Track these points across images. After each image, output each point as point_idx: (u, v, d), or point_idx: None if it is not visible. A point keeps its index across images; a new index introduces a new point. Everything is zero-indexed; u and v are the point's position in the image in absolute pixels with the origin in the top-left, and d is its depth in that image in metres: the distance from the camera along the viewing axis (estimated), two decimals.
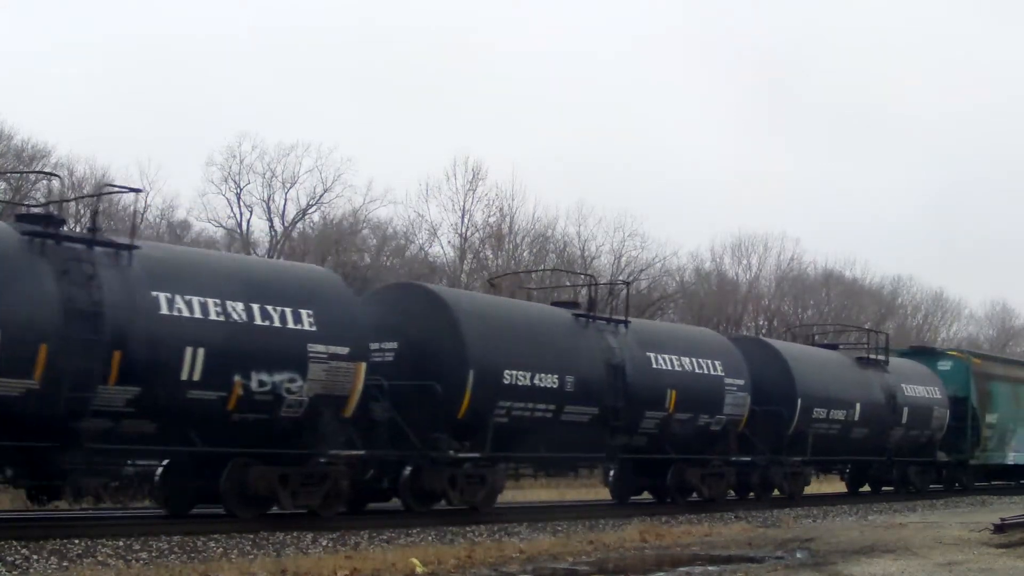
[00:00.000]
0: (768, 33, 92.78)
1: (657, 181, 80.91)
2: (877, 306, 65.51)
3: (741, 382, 22.21)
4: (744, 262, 62.05)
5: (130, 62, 69.20)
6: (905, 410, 27.58)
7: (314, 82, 73.81)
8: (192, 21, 73.32)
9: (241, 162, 45.98)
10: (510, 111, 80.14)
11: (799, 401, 23.81)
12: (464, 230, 47.20)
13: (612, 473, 22.77)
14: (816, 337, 32.61)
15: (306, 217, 46.58)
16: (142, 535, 13.18)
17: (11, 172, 37.15)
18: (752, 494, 23.93)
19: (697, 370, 21.34)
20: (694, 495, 21.95)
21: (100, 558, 11.87)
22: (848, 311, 60.28)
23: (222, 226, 46.32)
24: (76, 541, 12.49)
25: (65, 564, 11.42)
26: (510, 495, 21.77)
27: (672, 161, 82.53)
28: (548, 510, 20.12)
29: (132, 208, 26.74)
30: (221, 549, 13.02)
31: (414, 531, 15.62)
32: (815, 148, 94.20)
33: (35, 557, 11.55)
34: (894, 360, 29.20)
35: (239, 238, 45.19)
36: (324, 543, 14.11)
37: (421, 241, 48.76)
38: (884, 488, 29.00)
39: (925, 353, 32.65)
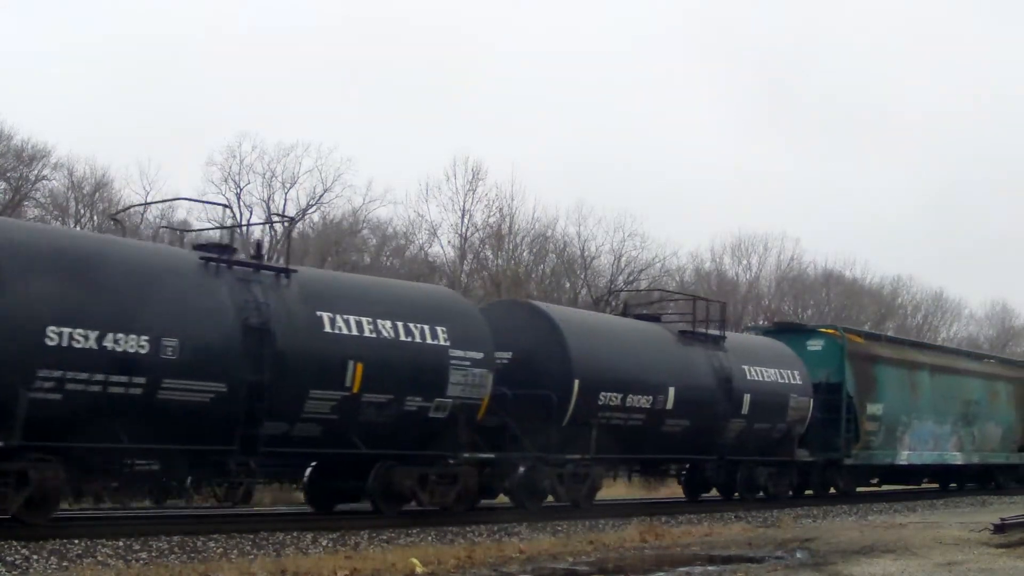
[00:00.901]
0: (768, 33, 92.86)
1: (657, 181, 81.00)
2: (877, 306, 65.51)
3: (478, 356, 17.48)
4: (744, 262, 62.13)
5: (130, 62, 69.26)
6: (746, 398, 22.42)
7: (314, 82, 73.90)
8: (192, 21, 73.41)
9: (241, 162, 46.04)
10: (510, 111, 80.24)
11: (576, 383, 18.81)
12: (464, 230, 47.20)
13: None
14: (650, 309, 26.77)
15: (306, 217, 46.61)
16: (142, 535, 13.18)
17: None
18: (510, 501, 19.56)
19: (404, 337, 16.54)
20: (413, 503, 17.52)
21: (100, 558, 11.87)
22: (848, 311, 60.31)
23: (222, 226, 46.30)
24: (76, 541, 12.49)
25: (65, 564, 11.42)
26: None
27: (672, 161, 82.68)
28: (548, 510, 20.11)
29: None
30: (221, 549, 13.02)
31: (414, 531, 15.63)
32: (815, 148, 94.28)
33: (35, 557, 11.55)
34: (736, 337, 24.82)
35: (239, 238, 45.15)
36: (324, 543, 14.11)
37: (421, 241, 48.80)
38: (733, 495, 24.13)
39: (791, 330, 27.58)
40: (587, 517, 18.72)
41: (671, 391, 20.69)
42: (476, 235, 47.34)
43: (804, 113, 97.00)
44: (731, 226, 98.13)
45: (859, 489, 27.95)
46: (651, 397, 20.33)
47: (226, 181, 45.91)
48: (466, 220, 47.16)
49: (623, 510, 20.58)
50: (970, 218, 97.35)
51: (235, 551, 12.99)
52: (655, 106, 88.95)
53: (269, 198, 46.50)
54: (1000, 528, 16.09)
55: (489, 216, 47.48)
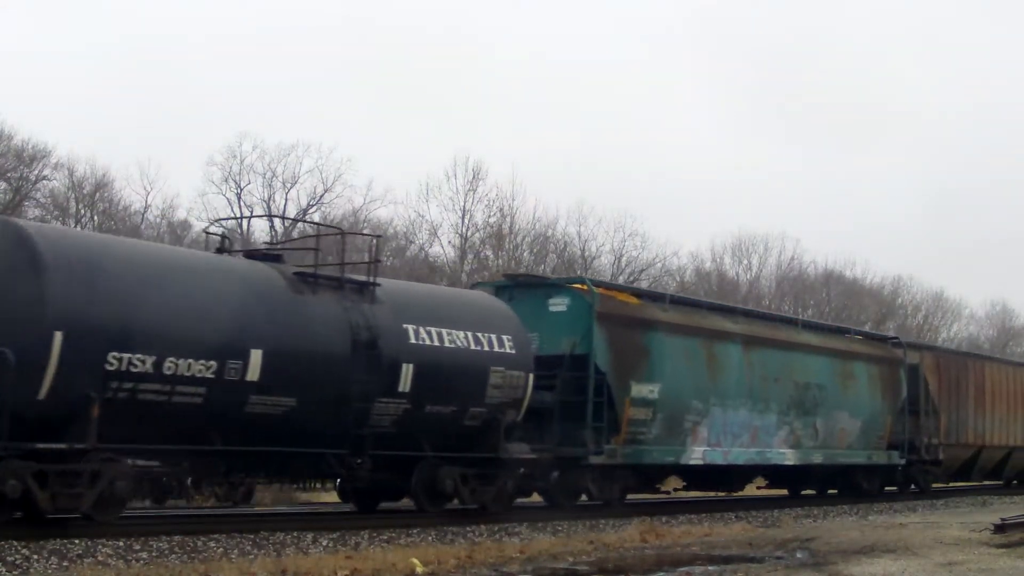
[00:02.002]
0: (769, 34, 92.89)
1: (657, 181, 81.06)
2: (877, 306, 65.55)
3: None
4: (744, 262, 62.27)
5: (130, 62, 69.29)
6: (407, 369, 16.09)
7: (314, 82, 73.94)
8: (192, 21, 73.44)
9: (241, 162, 46.23)
10: (510, 111, 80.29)
11: (57, 335, 12.61)
12: (464, 230, 47.32)
13: None
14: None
15: (306, 217, 46.62)
16: (142, 535, 13.18)
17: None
18: None
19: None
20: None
21: (100, 558, 11.86)
22: (848, 311, 60.34)
23: (222, 226, 46.34)
24: (76, 541, 12.48)
25: (65, 564, 11.41)
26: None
27: (672, 161, 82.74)
28: (548, 510, 20.12)
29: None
30: (221, 549, 13.02)
31: (414, 531, 15.63)
32: (815, 148, 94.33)
33: (35, 557, 11.54)
34: (401, 286, 18.55)
35: (239, 238, 45.20)
36: (324, 543, 14.11)
37: (421, 241, 48.89)
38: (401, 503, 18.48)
39: (530, 285, 20.71)
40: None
41: (255, 355, 14.39)
42: (476, 235, 47.49)
43: (804, 113, 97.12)
44: (731, 226, 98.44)
45: (635, 497, 22.03)
46: (216, 363, 13.97)
47: (226, 181, 46.11)
48: (466, 220, 47.32)
49: (623, 510, 20.58)
50: (970, 218, 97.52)
51: (235, 551, 12.98)
52: (655, 106, 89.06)
53: (269, 198, 46.70)
54: (1000, 528, 16.09)
55: (489, 216, 47.66)
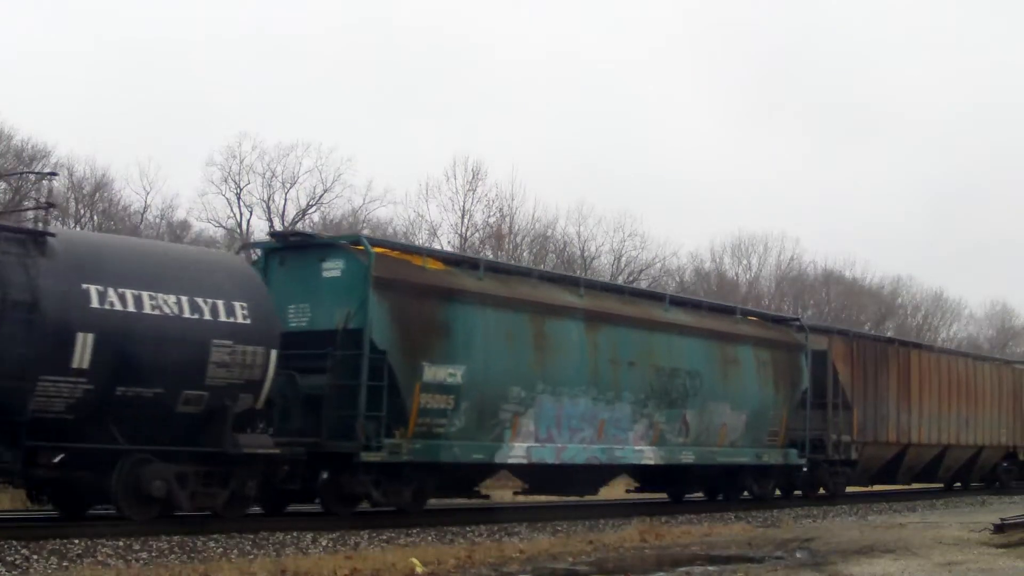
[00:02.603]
0: (768, 34, 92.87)
1: (657, 181, 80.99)
2: (877, 306, 65.52)
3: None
4: (744, 262, 62.16)
5: (130, 62, 69.26)
6: (85, 341, 12.94)
7: (314, 82, 73.86)
8: (192, 22, 73.39)
9: (241, 162, 46.03)
10: (510, 111, 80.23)
11: None
12: (464, 230, 47.23)
13: None
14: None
15: (306, 217, 46.61)
16: (142, 535, 13.18)
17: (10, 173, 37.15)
18: None
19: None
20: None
21: (100, 558, 11.87)
22: (848, 311, 60.33)
23: (222, 226, 46.36)
24: (76, 541, 12.49)
25: (65, 564, 11.42)
26: (509, 496, 21.48)
27: (672, 161, 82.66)
28: (548, 510, 20.14)
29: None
30: (221, 549, 13.03)
31: (414, 531, 15.64)
32: (815, 148, 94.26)
33: (35, 557, 11.56)
34: (91, 238, 17.22)
35: (239, 238, 45.21)
36: (324, 543, 14.12)
37: (421, 241, 48.81)
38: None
39: (302, 247, 17.22)
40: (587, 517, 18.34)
41: None
42: (476, 235, 47.38)
43: (804, 113, 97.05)
44: (731, 226, 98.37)
45: (427, 502, 17.77)
46: None
47: (226, 181, 45.93)
48: (466, 220, 47.23)
49: (623, 510, 20.59)
50: (970, 218, 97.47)
51: (235, 551, 12.99)
52: (655, 106, 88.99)
53: (269, 198, 46.54)
54: (1000, 528, 16.12)
55: (489, 216, 47.57)
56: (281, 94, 70.18)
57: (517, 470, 19.38)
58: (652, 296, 23.00)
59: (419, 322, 16.55)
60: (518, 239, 48.17)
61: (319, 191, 46.91)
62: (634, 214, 61.06)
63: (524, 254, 47.55)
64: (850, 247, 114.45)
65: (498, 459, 17.71)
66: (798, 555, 14.28)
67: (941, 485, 32.47)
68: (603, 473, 20.56)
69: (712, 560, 13.70)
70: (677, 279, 54.98)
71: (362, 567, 11.78)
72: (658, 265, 52.45)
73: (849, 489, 26.87)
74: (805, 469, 24.64)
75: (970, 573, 12.16)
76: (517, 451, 17.87)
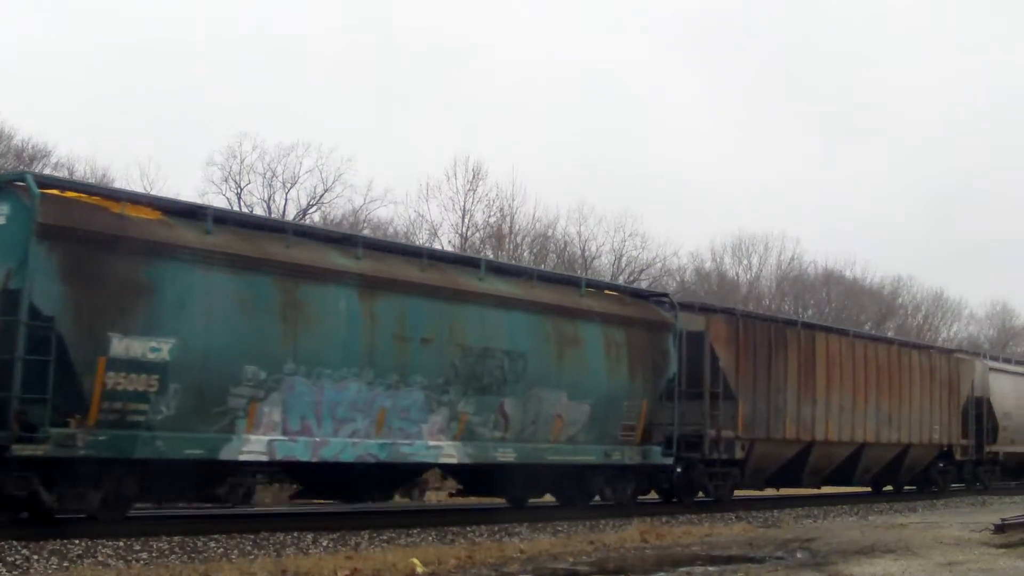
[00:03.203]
0: (768, 34, 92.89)
1: (657, 181, 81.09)
2: (877, 306, 65.57)
3: None
4: (744, 262, 62.29)
5: (130, 63, 69.28)
6: None
7: (314, 82, 73.92)
8: (192, 22, 73.42)
9: (241, 162, 46.11)
10: (510, 111, 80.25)
11: None
12: (464, 230, 47.30)
13: None
14: None
15: (306, 217, 46.65)
16: (142, 535, 13.19)
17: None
18: None
19: None
20: None
21: (100, 558, 11.87)
22: (848, 311, 60.36)
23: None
24: (76, 541, 12.49)
25: (65, 564, 11.41)
26: (750, 490, 23.75)
27: (672, 161, 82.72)
28: (548, 510, 20.12)
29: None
30: (221, 549, 13.03)
31: (414, 531, 15.64)
32: (815, 148, 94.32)
33: (35, 557, 11.55)
34: None
35: None
36: (324, 543, 14.12)
37: (421, 241, 48.85)
38: None
39: None
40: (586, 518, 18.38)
41: None
42: (476, 235, 47.45)
43: (804, 113, 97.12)
44: (731, 226, 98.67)
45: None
46: None
47: (226, 181, 46.00)
48: (466, 220, 47.30)
49: (623, 510, 20.58)
50: (970, 218, 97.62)
51: (235, 551, 12.99)
52: (655, 106, 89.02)
53: (269, 198, 46.60)
54: (1001, 528, 16.12)
55: (489, 216, 47.67)
56: (281, 94, 70.34)
57: (276, 470, 17.15)
58: (463, 261, 18.94)
59: (107, 283, 13.08)
60: (518, 239, 48.27)
61: (319, 191, 47.06)
62: (634, 214, 61.49)
63: (525, 254, 47.62)
64: (850, 247, 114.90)
65: (225, 455, 14.22)
66: (799, 555, 14.27)
67: (868, 489, 29.53)
68: (389, 473, 17.24)
69: (713, 560, 13.69)
70: (677, 279, 55.06)
71: (362, 567, 11.77)
72: (659, 265, 52.58)
73: (740, 493, 24.06)
74: (679, 470, 21.43)
75: (971, 573, 12.15)
76: (254, 445, 14.41)
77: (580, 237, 50.71)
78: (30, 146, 41.72)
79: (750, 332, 22.95)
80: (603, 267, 49.98)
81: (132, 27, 70.01)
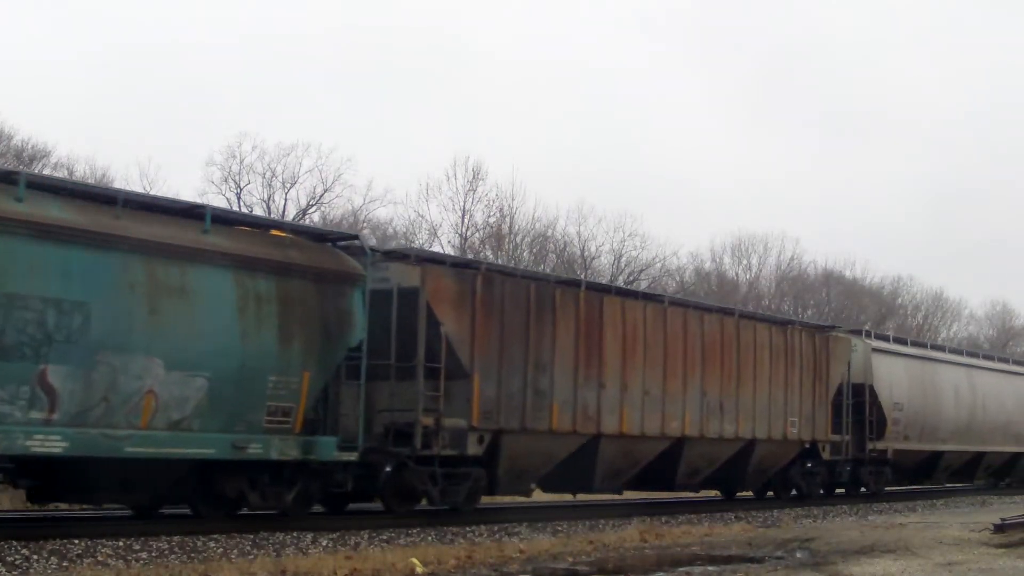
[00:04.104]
0: (768, 33, 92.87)
1: (657, 181, 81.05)
2: (877, 306, 65.55)
3: None
4: (744, 262, 62.22)
5: (130, 62, 69.23)
6: None
7: (314, 82, 73.89)
8: (192, 22, 73.38)
9: (241, 162, 46.04)
10: (510, 111, 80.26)
11: None
12: (464, 230, 47.26)
13: None
14: None
15: (306, 217, 46.62)
16: (142, 535, 13.18)
17: None
18: None
19: None
20: None
21: (100, 558, 11.87)
22: (848, 311, 60.35)
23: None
24: (76, 541, 12.49)
25: (65, 564, 11.42)
26: (509, 496, 19.73)
27: (672, 161, 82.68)
28: (548, 510, 20.13)
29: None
30: (221, 549, 13.03)
31: (414, 531, 15.64)
32: (815, 148, 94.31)
33: (35, 557, 11.55)
34: None
35: None
36: (324, 543, 14.12)
37: (421, 241, 48.81)
38: None
39: None
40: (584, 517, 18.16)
41: None
42: (476, 235, 47.42)
43: (804, 113, 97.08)
44: (731, 226, 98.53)
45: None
46: None
47: (226, 181, 45.93)
48: (466, 220, 47.26)
49: (623, 510, 20.58)
50: (970, 218, 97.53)
51: (235, 551, 12.99)
52: (655, 106, 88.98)
53: (269, 198, 46.55)
54: (1000, 528, 16.11)
55: (489, 216, 47.63)
56: (281, 94, 70.25)
57: None
58: None
59: None
60: (518, 239, 48.23)
61: (319, 191, 47.02)
62: (634, 214, 61.27)
63: (524, 254, 47.60)
64: (850, 247, 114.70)
65: None
66: (798, 555, 14.27)
67: (695, 494, 24.00)
68: None
69: (712, 560, 13.69)
70: (677, 279, 55.04)
71: (362, 567, 11.78)
72: (658, 265, 52.53)
73: (491, 501, 19.59)
74: (388, 469, 16.79)
75: (970, 573, 12.15)
76: None
77: (580, 237, 50.70)
78: (30, 146, 41.72)
79: (495, 292, 17.69)
80: (603, 267, 49.99)
81: (132, 27, 70.01)
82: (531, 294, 18.32)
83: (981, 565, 12.75)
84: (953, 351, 33.34)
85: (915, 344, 31.14)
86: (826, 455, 25.19)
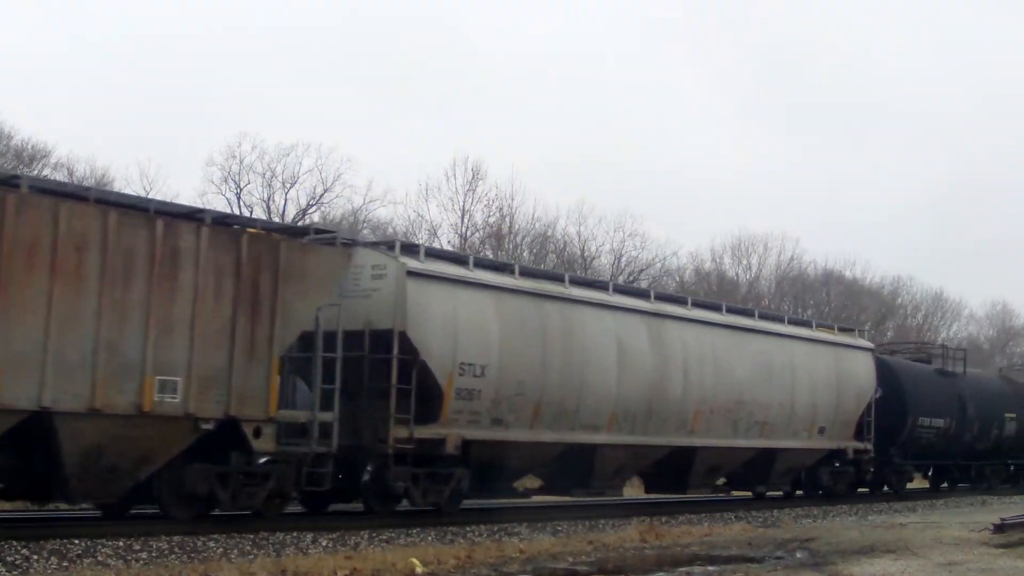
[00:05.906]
0: (768, 32, 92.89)
1: (657, 181, 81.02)
2: (877, 306, 65.50)
3: None
4: (744, 262, 62.14)
5: (130, 62, 69.22)
6: None
7: (314, 82, 73.89)
8: (192, 22, 73.40)
9: (241, 162, 46.03)
10: (510, 111, 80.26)
11: None
12: (464, 230, 47.24)
13: None
14: None
15: (306, 217, 46.60)
16: (142, 535, 13.19)
17: None
18: None
19: None
20: None
21: (100, 558, 11.87)
22: (848, 311, 60.30)
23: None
24: (76, 541, 12.49)
25: (65, 564, 11.42)
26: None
27: (672, 161, 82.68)
28: (548, 510, 20.12)
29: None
30: (221, 549, 13.02)
31: (414, 531, 15.62)
32: (815, 148, 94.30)
33: (35, 557, 11.55)
34: None
35: None
36: (324, 543, 14.11)
37: (421, 241, 48.82)
38: None
39: None
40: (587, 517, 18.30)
41: None
42: (476, 235, 47.38)
43: (804, 113, 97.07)
44: (731, 226, 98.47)
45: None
46: None
47: (226, 181, 45.93)
48: (466, 220, 47.23)
49: (623, 510, 20.58)
50: (970, 218, 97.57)
51: (235, 551, 12.99)
52: (655, 106, 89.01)
53: (269, 198, 46.55)
54: (1000, 528, 16.11)
55: (489, 216, 47.59)
56: (281, 94, 70.24)
57: None
58: None
59: None
60: (518, 239, 48.21)
61: (319, 191, 46.99)
62: (634, 214, 61.12)
63: (524, 254, 47.56)
64: (850, 247, 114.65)
65: None
66: (798, 555, 14.27)
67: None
68: None
69: (712, 560, 13.69)
70: (677, 279, 54.99)
71: (362, 567, 11.78)
72: (658, 265, 52.48)
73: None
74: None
75: (970, 573, 12.15)
76: None
77: (580, 237, 50.66)
78: (30, 146, 41.69)
79: None
80: (603, 267, 49.94)
81: (132, 28, 70.02)
82: None
83: (981, 565, 12.74)
84: (623, 290, 21.39)
85: (526, 273, 18.93)
86: (258, 447, 14.35)
